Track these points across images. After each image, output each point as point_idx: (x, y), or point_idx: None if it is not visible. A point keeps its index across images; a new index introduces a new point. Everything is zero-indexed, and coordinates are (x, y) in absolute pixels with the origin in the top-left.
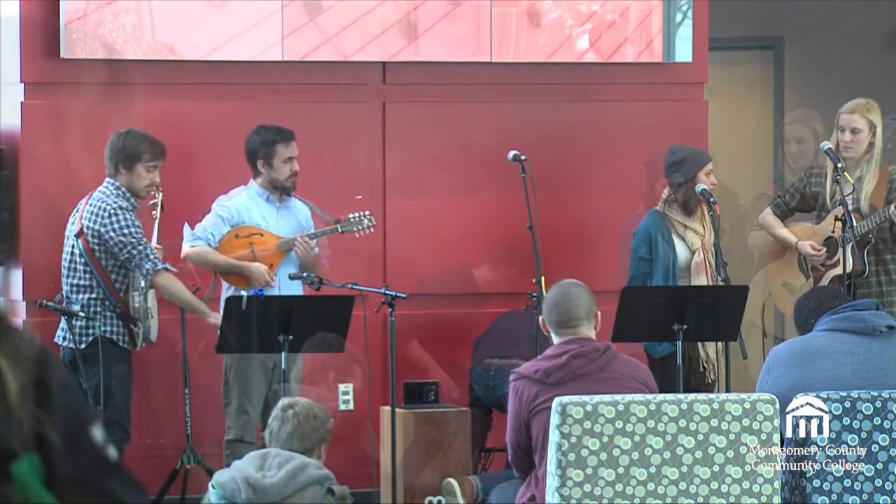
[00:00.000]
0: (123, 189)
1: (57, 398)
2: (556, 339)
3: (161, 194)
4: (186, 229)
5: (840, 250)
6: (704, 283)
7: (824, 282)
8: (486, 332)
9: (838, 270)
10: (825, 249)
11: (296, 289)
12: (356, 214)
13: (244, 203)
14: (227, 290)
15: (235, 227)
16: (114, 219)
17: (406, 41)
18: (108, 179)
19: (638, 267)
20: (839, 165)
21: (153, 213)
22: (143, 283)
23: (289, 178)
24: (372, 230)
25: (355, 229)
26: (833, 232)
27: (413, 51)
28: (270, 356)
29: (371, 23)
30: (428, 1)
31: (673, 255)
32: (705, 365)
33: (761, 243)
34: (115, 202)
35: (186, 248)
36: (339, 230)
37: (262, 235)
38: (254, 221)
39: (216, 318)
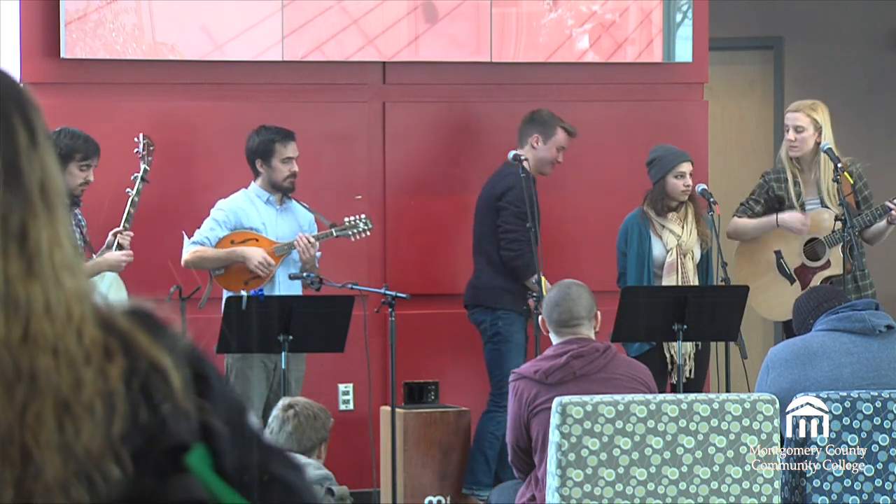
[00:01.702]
0: None
1: (216, 389)
2: (555, 339)
3: (144, 183)
4: (185, 239)
5: (827, 250)
6: (674, 284)
7: (815, 283)
8: None
9: (827, 272)
10: (809, 219)
11: (296, 289)
12: (352, 218)
13: (241, 205)
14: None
15: (233, 230)
16: None
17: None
18: None
19: (619, 262)
20: (839, 165)
21: (130, 199)
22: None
23: (287, 178)
24: (368, 233)
25: (351, 233)
26: (832, 231)
27: (413, 51)
28: (271, 357)
29: (371, 23)
30: (428, 0)
31: (648, 253)
32: (669, 366)
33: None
34: None
35: (185, 256)
36: (335, 234)
37: (256, 241)
38: (251, 223)
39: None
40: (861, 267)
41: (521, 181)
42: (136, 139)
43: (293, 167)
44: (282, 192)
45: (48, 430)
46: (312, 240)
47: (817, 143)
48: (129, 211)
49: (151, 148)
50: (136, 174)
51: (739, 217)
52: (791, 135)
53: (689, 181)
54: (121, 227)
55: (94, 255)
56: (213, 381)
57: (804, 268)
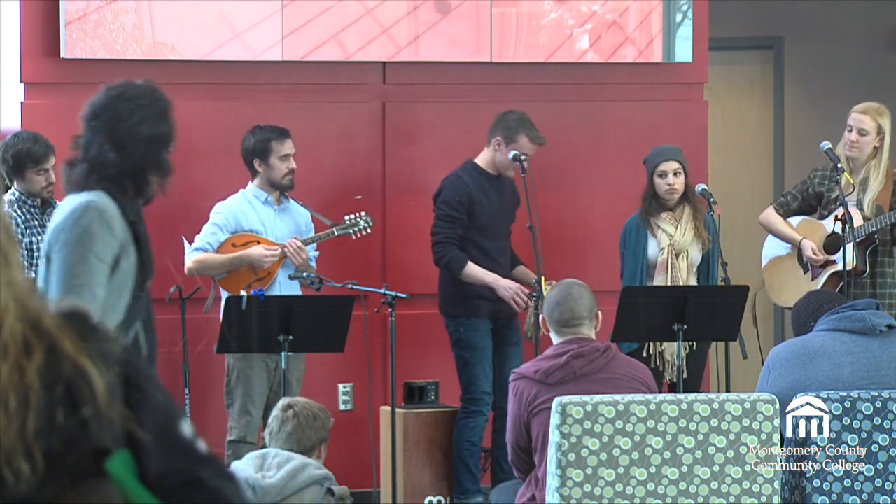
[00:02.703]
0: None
1: (146, 396)
2: (556, 339)
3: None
4: (186, 245)
5: (842, 248)
6: (662, 284)
7: (823, 278)
8: None
9: (837, 268)
10: (824, 256)
11: (295, 289)
12: (352, 216)
13: (240, 207)
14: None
15: (234, 233)
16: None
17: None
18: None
19: (622, 265)
20: (839, 165)
21: None
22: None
23: (285, 175)
24: (369, 231)
25: (352, 231)
26: (839, 231)
27: (413, 51)
28: (272, 357)
29: (371, 23)
30: (428, 1)
31: (643, 253)
32: (657, 363)
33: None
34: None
35: (188, 263)
36: (336, 233)
37: (258, 243)
38: (251, 224)
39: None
40: (883, 275)
41: (456, 183)
42: None
43: (291, 164)
44: (281, 189)
45: None
46: (301, 244)
47: (875, 148)
48: None
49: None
50: None
51: (776, 210)
52: (853, 136)
53: (673, 180)
54: None
55: None
56: (145, 387)
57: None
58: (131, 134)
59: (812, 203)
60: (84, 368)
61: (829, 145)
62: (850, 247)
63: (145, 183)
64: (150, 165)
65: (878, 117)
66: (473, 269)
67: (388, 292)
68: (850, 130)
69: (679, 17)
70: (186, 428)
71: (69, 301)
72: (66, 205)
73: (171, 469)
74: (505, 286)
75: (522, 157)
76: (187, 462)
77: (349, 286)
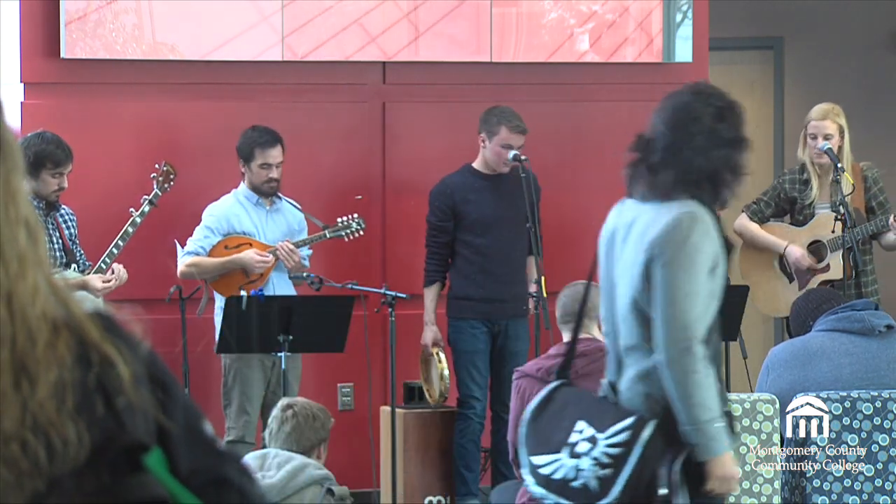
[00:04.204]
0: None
1: (172, 396)
2: (565, 338)
3: (152, 206)
4: (178, 247)
5: (829, 254)
6: None
7: (813, 285)
8: None
9: (826, 276)
10: (815, 259)
11: (289, 290)
12: (344, 218)
13: (232, 209)
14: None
15: (226, 236)
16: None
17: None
18: None
19: None
20: (839, 165)
21: (132, 218)
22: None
23: (264, 183)
24: (361, 233)
25: (344, 234)
26: (832, 231)
27: (413, 51)
28: (269, 356)
29: (371, 23)
30: (428, 1)
31: None
32: None
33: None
34: None
35: (180, 267)
36: (328, 235)
37: (250, 245)
38: (243, 226)
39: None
40: (865, 273)
41: (437, 194)
42: (156, 164)
43: (272, 173)
44: (261, 195)
45: (4, 381)
46: (293, 247)
47: (839, 148)
48: (127, 230)
49: (172, 177)
50: (145, 196)
51: (750, 218)
52: (820, 142)
53: None
54: (112, 245)
55: (78, 263)
56: (171, 386)
57: (805, 268)
58: (714, 138)
59: (784, 207)
60: (109, 356)
61: (829, 145)
62: (839, 253)
63: (723, 187)
64: (729, 169)
65: (837, 118)
66: (426, 297)
67: (388, 292)
68: (815, 138)
69: (679, 17)
70: (208, 427)
71: (674, 312)
72: (647, 215)
73: (199, 467)
74: (428, 331)
75: (523, 158)
76: (213, 460)
77: (349, 286)
